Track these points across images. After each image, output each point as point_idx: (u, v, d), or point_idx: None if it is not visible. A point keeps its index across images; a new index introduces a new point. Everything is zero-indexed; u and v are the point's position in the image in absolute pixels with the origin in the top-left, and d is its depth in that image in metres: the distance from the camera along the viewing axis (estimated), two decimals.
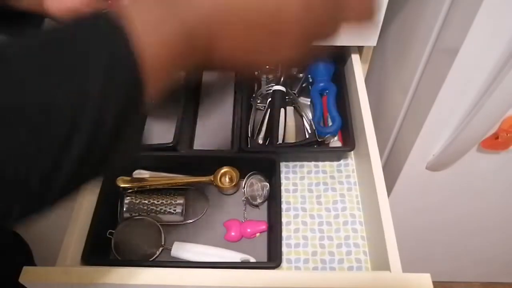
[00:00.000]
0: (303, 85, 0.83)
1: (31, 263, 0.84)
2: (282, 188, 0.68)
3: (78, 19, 0.26)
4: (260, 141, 0.74)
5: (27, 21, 0.51)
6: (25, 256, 0.85)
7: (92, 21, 0.26)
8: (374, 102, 0.78)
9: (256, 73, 0.83)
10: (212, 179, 0.67)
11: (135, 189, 0.66)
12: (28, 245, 0.86)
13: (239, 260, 0.61)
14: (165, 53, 0.27)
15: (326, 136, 0.72)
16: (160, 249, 0.62)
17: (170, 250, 0.61)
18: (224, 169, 0.67)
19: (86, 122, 0.24)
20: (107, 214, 0.63)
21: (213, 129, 0.78)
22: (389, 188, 0.89)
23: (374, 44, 0.69)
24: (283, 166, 0.72)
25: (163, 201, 0.66)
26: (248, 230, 0.64)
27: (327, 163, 0.73)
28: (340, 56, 0.80)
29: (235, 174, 0.67)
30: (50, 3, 0.50)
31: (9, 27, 0.51)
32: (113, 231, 0.62)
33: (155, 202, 0.66)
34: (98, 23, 0.26)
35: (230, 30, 0.28)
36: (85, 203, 0.57)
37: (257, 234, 0.64)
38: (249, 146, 0.69)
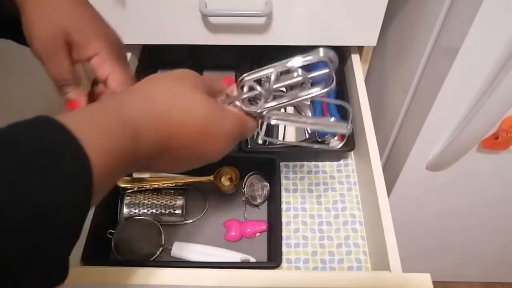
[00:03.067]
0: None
1: None
2: (282, 188, 0.68)
3: (19, 124, 0.25)
4: (260, 141, 0.74)
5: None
6: None
7: (35, 128, 0.25)
8: (374, 102, 0.78)
9: None
10: (212, 179, 0.67)
11: (135, 189, 0.66)
12: None
13: (239, 260, 0.61)
14: (113, 161, 0.28)
15: (326, 136, 0.72)
16: (160, 249, 0.62)
17: (170, 250, 0.62)
18: (224, 169, 0.67)
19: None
20: (107, 214, 0.63)
21: None
22: (389, 188, 0.89)
23: (374, 44, 0.69)
24: (283, 166, 0.72)
25: (163, 201, 0.66)
26: (248, 230, 0.64)
27: (327, 163, 0.73)
28: (340, 56, 0.80)
29: (235, 174, 0.67)
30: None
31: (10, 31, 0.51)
32: (113, 231, 0.62)
33: (155, 202, 0.66)
34: (43, 132, 0.25)
35: (164, 160, 0.36)
36: None
37: (257, 234, 0.65)
38: (249, 146, 0.69)
